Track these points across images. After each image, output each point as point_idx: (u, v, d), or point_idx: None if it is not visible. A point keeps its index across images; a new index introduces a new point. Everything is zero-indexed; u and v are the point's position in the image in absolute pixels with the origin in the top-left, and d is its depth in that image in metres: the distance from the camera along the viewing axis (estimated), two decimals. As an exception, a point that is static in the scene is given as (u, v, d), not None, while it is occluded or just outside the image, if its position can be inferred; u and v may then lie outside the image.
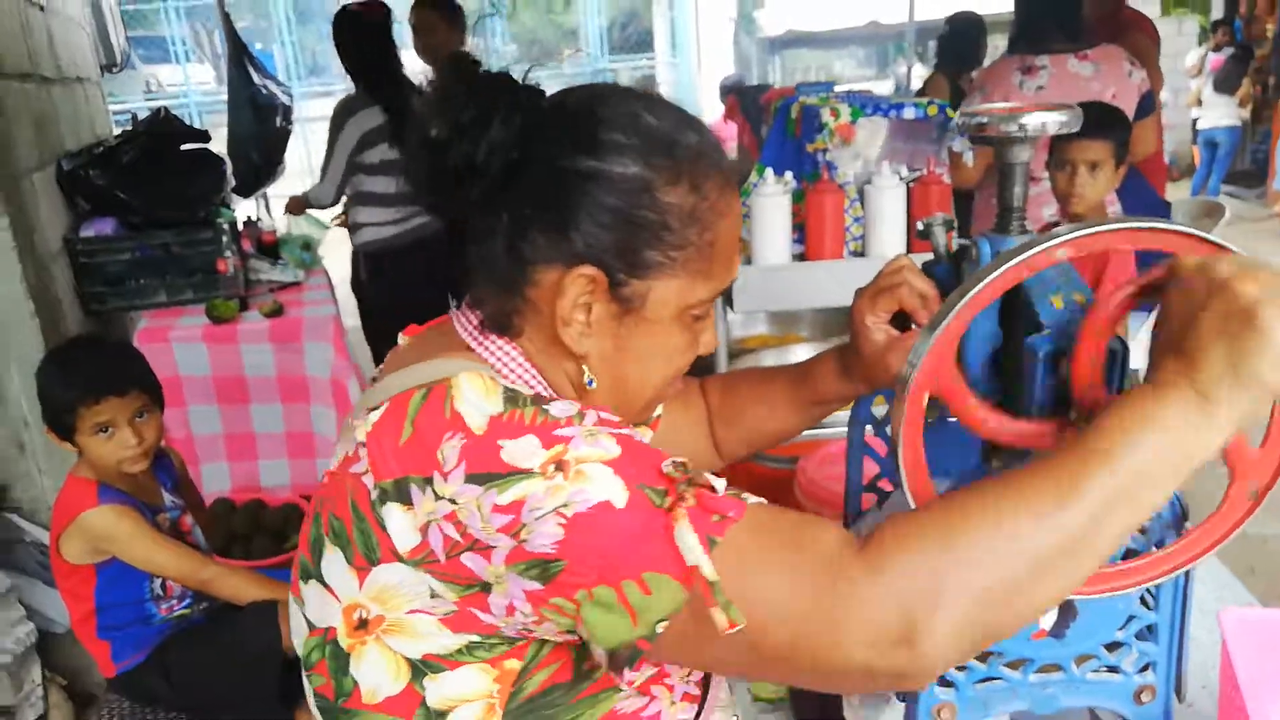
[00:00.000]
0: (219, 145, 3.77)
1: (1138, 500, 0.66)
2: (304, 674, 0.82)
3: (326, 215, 4.01)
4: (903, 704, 0.94)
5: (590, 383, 0.83)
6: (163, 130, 3.46)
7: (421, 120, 0.78)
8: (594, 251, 0.78)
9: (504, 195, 0.79)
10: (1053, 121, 0.86)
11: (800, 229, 1.90)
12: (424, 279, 3.56)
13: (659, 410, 1.06)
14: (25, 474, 2.63)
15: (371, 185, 3.48)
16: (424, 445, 0.72)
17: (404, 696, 0.76)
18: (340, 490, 0.76)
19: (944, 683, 0.91)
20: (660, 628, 0.68)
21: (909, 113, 1.85)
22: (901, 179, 1.83)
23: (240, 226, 3.65)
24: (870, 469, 1.16)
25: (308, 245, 3.92)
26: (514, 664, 0.76)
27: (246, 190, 4.50)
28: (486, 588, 0.71)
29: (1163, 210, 3.68)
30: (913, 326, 1.01)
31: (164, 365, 2.94)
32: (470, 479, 0.69)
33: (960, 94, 3.92)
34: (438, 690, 0.76)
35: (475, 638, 0.74)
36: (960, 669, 0.90)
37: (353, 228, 3.62)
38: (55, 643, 2.47)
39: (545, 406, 0.73)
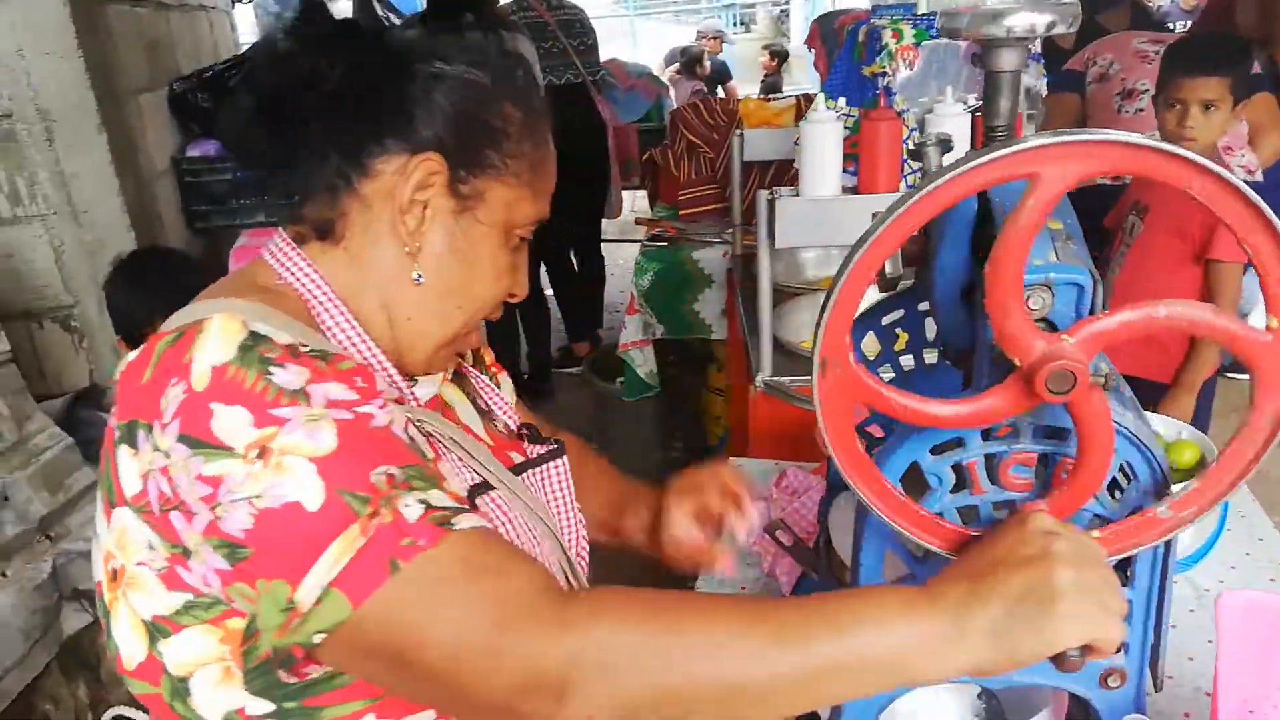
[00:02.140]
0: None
1: (837, 684, 0.68)
2: None
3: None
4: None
5: (418, 276, 0.81)
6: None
7: (272, 40, 0.80)
8: (438, 142, 0.79)
9: (350, 92, 0.78)
10: (1042, 22, 0.75)
11: (856, 161, 1.78)
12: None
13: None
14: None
15: None
16: (155, 389, 0.69)
17: (149, 663, 0.73)
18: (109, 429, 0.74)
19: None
20: (318, 638, 0.66)
21: (980, 35, 1.68)
22: (966, 108, 1.68)
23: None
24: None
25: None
26: (237, 623, 0.70)
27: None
28: (187, 553, 0.69)
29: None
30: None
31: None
32: (181, 438, 0.66)
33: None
34: (171, 655, 0.72)
35: (190, 597, 0.71)
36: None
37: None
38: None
39: (271, 371, 0.68)
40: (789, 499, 1.41)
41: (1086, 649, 0.66)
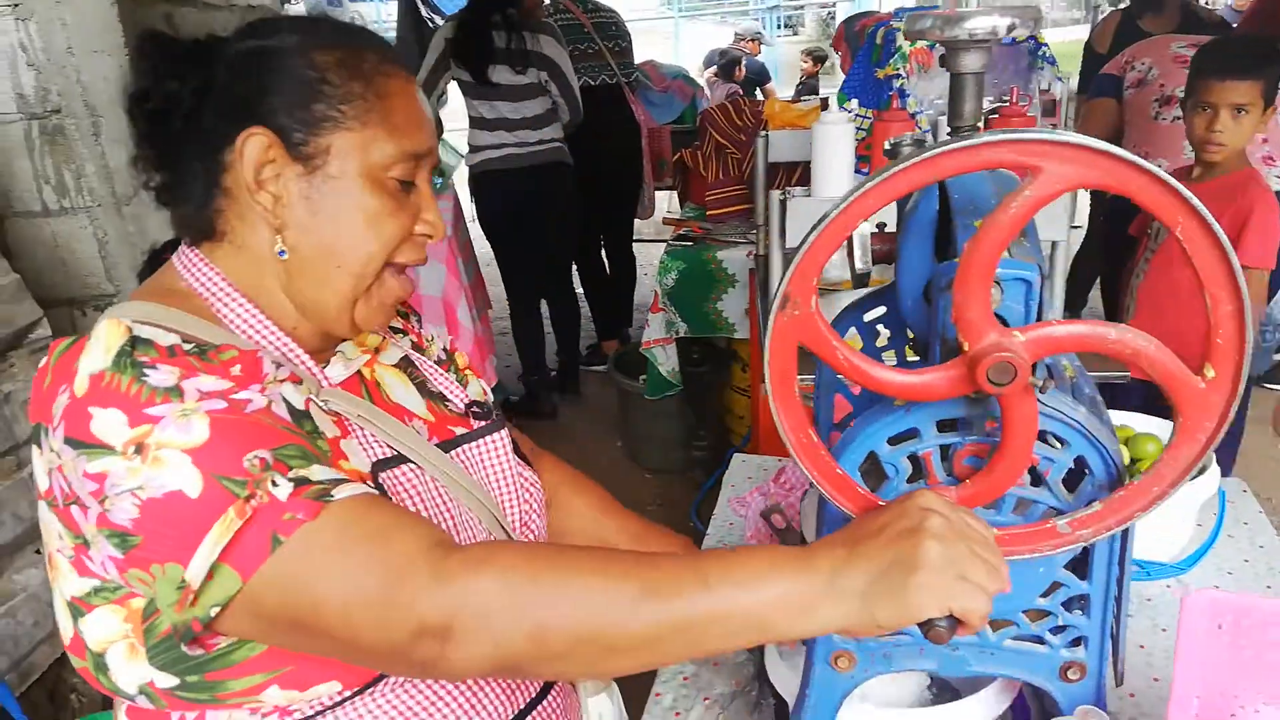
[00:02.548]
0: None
1: (707, 637, 0.71)
2: None
3: (463, 143, 4.14)
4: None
5: (282, 252, 0.84)
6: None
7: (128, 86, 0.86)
8: (264, 115, 0.81)
9: (187, 102, 0.83)
10: (1002, 25, 0.77)
11: (869, 162, 1.79)
12: (530, 203, 3.66)
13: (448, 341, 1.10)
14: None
15: (472, 109, 3.64)
16: (50, 395, 0.75)
17: (76, 640, 0.80)
18: None
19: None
20: (213, 611, 0.71)
21: (993, 38, 1.68)
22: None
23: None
24: (843, 407, 1.10)
25: (441, 171, 4.05)
26: (139, 602, 0.77)
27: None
28: (86, 543, 0.75)
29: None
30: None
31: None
32: (67, 440, 0.72)
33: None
34: (89, 632, 0.79)
35: (97, 582, 0.78)
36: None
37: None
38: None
39: (145, 374, 0.73)
40: (785, 494, 1.43)
41: (957, 621, 0.68)
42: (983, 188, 0.83)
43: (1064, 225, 1.73)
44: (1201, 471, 1.31)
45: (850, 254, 0.95)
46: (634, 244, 4.70)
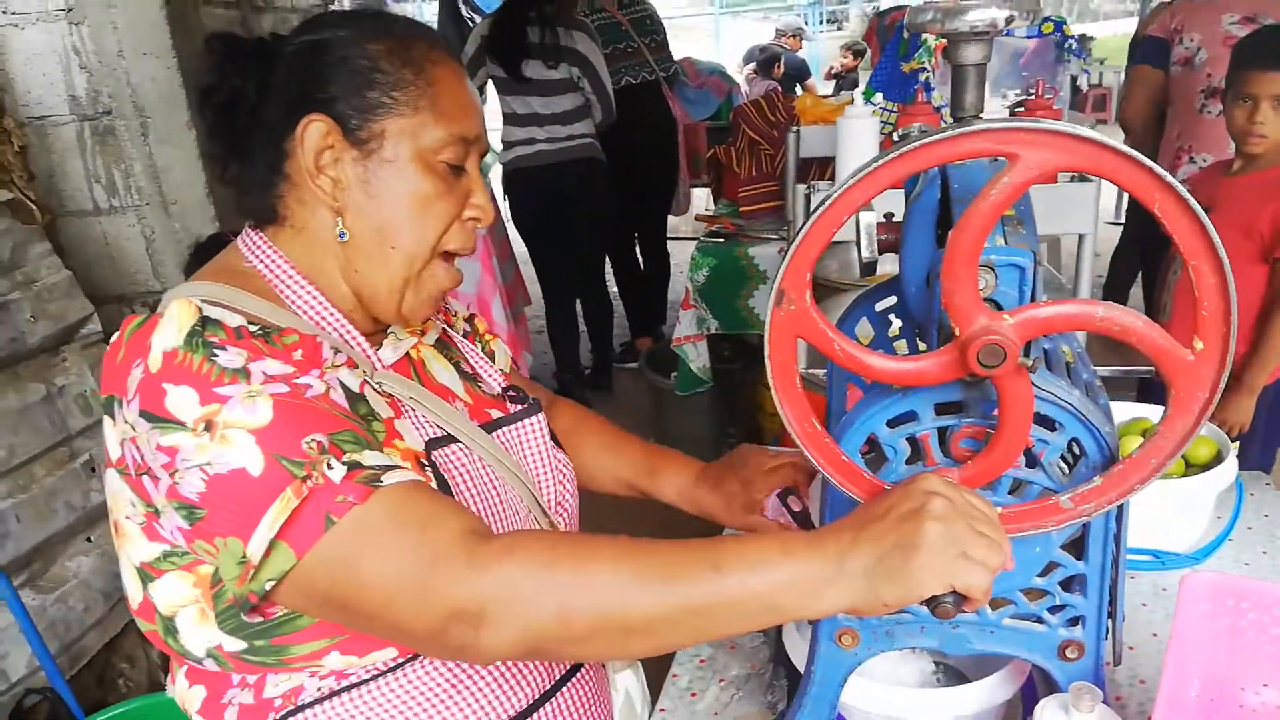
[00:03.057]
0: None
1: (721, 619, 0.74)
2: None
3: (496, 142, 4.20)
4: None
5: (342, 234, 0.88)
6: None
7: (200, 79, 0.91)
8: (323, 104, 0.86)
9: (254, 95, 0.88)
10: (1001, 17, 0.79)
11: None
12: (561, 199, 3.70)
13: (472, 319, 1.14)
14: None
15: (505, 105, 3.69)
16: (124, 369, 0.79)
17: (145, 604, 0.85)
18: None
19: (848, 609, 0.88)
20: (268, 585, 0.75)
21: (1019, 32, 1.69)
22: (1005, 104, 1.69)
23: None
24: (855, 395, 1.12)
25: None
26: (206, 569, 0.81)
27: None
28: (156, 512, 0.80)
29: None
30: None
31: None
32: (142, 414, 0.76)
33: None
34: (159, 597, 0.83)
35: (166, 547, 0.82)
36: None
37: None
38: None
39: (215, 354, 0.77)
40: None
41: (962, 597, 0.71)
42: (982, 176, 0.84)
43: (1090, 217, 1.73)
44: (1218, 461, 1.31)
45: (858, 244, 0.98)
46: (668, 241, 4.73)
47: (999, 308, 0.76)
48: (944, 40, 1.82)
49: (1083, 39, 3.20)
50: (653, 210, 4.50)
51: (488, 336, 1.12)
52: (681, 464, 1.23)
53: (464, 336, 1.08)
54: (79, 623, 2.25)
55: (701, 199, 6.27)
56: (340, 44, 0.87)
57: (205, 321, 0.79)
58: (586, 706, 1.02)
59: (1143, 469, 0.75)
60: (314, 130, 0.85)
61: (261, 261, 0.90)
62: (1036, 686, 1.00)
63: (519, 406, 1.03)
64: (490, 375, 1.06)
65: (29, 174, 2.67)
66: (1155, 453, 0.75)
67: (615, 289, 4.48)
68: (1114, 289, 3.92)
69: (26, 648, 2.05)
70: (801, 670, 0.97)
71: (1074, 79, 2.10)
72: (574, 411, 1.26)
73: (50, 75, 2.67)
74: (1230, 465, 1.29)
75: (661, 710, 1.14)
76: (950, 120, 1.37)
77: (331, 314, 0.90)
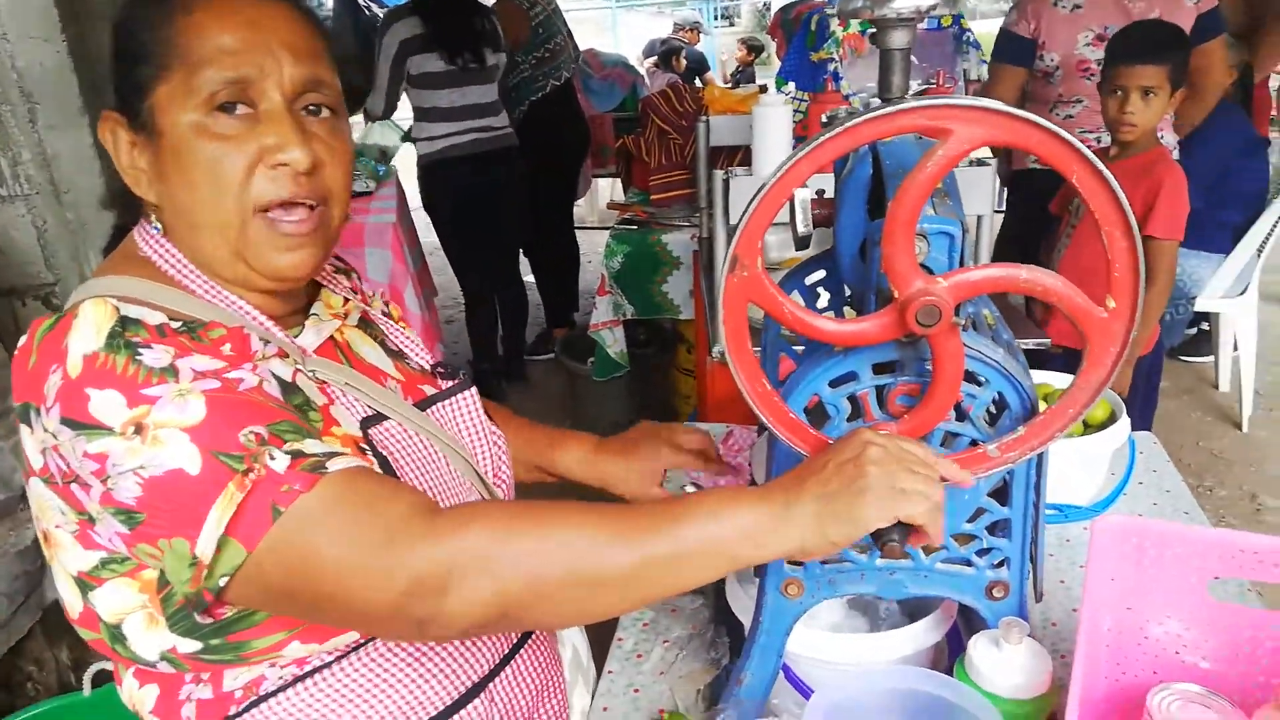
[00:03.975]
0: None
1: (683, 568, 0.77)
2: None
3: (405, 124, 4.13)
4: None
5: (156, 227, 0.85)
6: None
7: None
8: (117, 95, 0.84)
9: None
10: (925, 4, 0.85)
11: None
12: (487, 190, 3.69)
13: (392, 311, 1.11)
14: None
15: (419, 99, 3.63)
16: (38, 375, 0.75)
17: (87, 613, 0.83)
18: None
19: (793, 561, 0.94)
20: (223, 582, 0.74)
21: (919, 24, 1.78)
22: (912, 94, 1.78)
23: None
24: (788, 368, 1.18)
25: (385, 154, 4.04)
26: (151, 574, 0.79)
27: (350, 109, 4.67)
28: (91, 519, 0.78)
29: (1258, 148, 3.43)
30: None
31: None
32: (64, 421, 0.73)
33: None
34: (102, 605, 0.81)
35: (104, 554, 0.80)
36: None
37: (415, 142, 3.76)
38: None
39: (140, 354, 0.74)
40: (733, 455, 1.51)
41: (908, 534, 0.78)
42: (911, 154, 0.91)
43: (988, 199, 1.84)
44: (1112, 421, 1.43)
45: (793, 219, 1.03)
46: (576, 230, 4.76)
47: (931, 273, 0.82)
48: (854, 32, 1.91)
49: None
50: (565, 201, 4.53)
51: (401, 322, 1.10)
52: (581, 438, 1.25)
53: (383, 316, 1.07)
54: (-20, 630, 2.16)
55: (606, 188, 6.32)
56: (119, 26, 0.83)
57: (125, 321, 0.76)
58: (540, 665, 1.05)
59: (1062, 418, 0.83)
60: (105, 129, 0.83)
61: (155, 252, 0.86)
62: (960, 631, 1.08)
63: (450, 383, 1.03)
64: (416, 352, 1.05)
65: (-92, 162, 2.52)
66: (1072, 403, 0.82)
67: (529, 278, 4.48)
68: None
69: (-73, 656, 1.95)
70: (745, 624, 1.03)
71: (965, 71, 2.22)
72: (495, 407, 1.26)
73: (-71, 57, 2.53)
74: (1124, 424, 1.40)
75: (610, 672, 1.18)
76: (875, 102, 1.44)
77: (234, 304, 0.86)
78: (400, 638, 0.87)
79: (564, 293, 4.63)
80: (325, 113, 0.86)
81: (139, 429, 0.72)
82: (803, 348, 1.16)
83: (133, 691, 0.88)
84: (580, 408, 3.61)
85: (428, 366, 1.05)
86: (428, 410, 1.00)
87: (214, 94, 0.79)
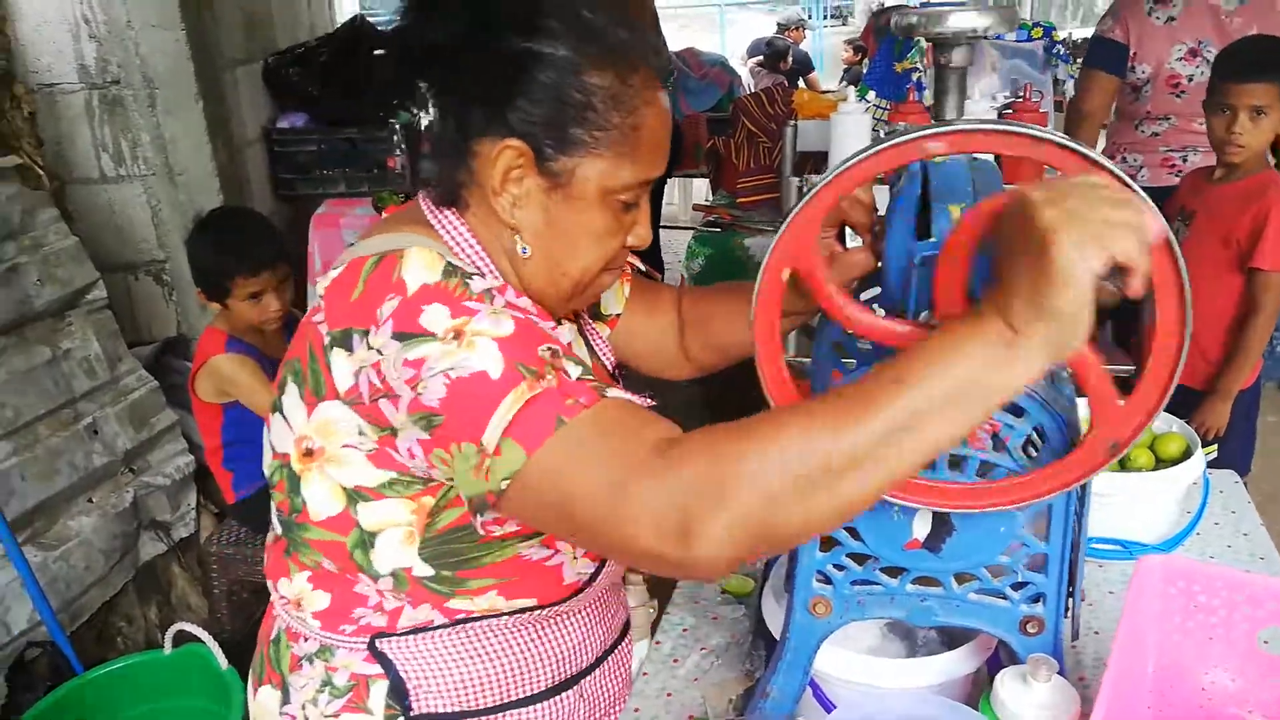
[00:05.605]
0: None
1: (930, 426, 0.68)
2: (270, 491, 0.98)
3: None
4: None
5: (524, 250, 0.91)
6: (356, 35, 3.74)
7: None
8: (524, 126, 0.85)
9: (453, 77, 0.87)
10: (982, 24, 0.84)
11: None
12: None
13: (616, 309, 1.16)
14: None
15: None
16: (369, 303, 0.82)
17: (341, 518, 0.91)
18: (303, 336, 0.89)
19: (822, 579, 0.94)
20: (504, 484, 0.77)
21: (1009, 36, 1.74)
22: (993, 104, 1.73)
23: (422, 129, 3.92)
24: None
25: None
26: (428, 500, 0.88)
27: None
28: (394, 432, 0.83)
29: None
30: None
31: (333, 246, 3.26)
32: (394, 335, 0.80)
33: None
34: (368, 515, 0.90)
35: (394, 474, 0.87)
36: (838, 568, 0.93)
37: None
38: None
39: (469, 280, 0.82)
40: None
41: (1119, 273, 0.64)
42: (961, 175, 0.89)
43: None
44: (1186, 456, 1.37)
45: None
46: (662, 229, 4.77)
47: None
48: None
49: (1081, 43, 3.25)
50: (652, 200, 4.56)
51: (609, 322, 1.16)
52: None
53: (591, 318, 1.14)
54: (79, 580, 2.30)
55: (701, 189, 6.32)
56: (557, 67, 0.84)
57: (450, 265, 0.84)
58: (623, 666, 1.15)
59: (1095, 456, 0.80)
60: (508, 155, 0.85)
61: (450, 236, 0.92)
62: (1003, 664, 1.06)
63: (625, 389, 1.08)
64: (606, 354, 1.12)
65: (37, 140, 2.70)
66: (1091, 454, 0.79)
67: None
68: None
69: (28, 603, 2.10)
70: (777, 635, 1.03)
71: (1060, 83, 2.13)
72: (692, 293, 1.24)
73: (59, 43, 2.69)
74: (1196, 461, 1.34)
75: (645, 675, 1.20)
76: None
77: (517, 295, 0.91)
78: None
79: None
80: None
81: (457, 335, 0.78)
82: (855, 359, 1.15)
83: (300, 588, 0.97)
84: (657, 409, 3.62)
85: (609, 367, 1.12)
86: None
87: (633, 188, 0.89)
